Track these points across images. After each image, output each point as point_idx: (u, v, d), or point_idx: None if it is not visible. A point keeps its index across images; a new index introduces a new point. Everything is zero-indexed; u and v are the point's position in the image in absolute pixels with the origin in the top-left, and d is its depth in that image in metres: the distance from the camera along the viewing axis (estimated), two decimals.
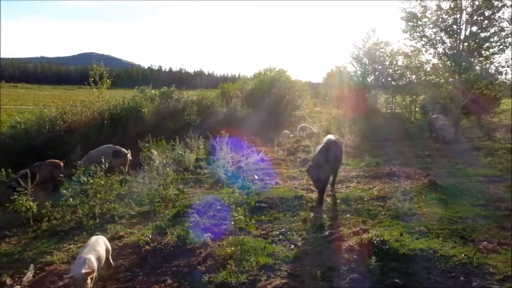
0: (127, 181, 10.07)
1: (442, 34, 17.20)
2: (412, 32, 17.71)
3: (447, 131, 14.60)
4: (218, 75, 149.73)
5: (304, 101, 29.27)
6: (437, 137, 15.43)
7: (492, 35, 16.29)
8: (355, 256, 5.17)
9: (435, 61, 18.19)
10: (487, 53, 16.71)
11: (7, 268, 6.12)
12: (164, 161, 6.28)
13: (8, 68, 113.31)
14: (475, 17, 16.41)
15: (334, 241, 5.84)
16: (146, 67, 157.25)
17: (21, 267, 6.12)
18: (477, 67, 17.41)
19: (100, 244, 5.34)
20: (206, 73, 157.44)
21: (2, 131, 13.82)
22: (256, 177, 4.51)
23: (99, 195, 8.32)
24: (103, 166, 8.58)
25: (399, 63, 25.74)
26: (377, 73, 27.42)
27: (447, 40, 17.22)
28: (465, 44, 16.69)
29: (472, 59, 16.99)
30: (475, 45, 16.60)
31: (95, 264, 4.92)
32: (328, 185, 8.15)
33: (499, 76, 17.23)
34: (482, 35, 16.58)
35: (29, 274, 5.73)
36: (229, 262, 5.10)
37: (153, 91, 19.12)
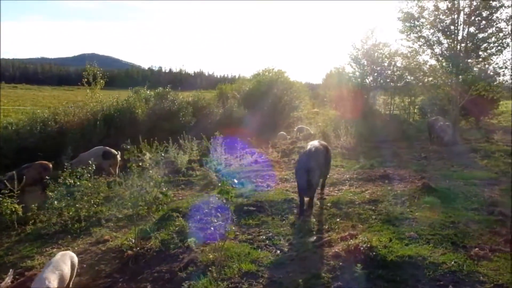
0: (116, 183, 9.92)
1: (439, 34, 17.03)
2: (409, 32, 17.54)
3: (445, 132, 14.42)
4: (218, 76, 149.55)
5: (302, 102, 29.14)
6: (436, 138, 15.23)
7: (489, 36, 16.10)
8: (341, 263, 4.99)
9: (432, 62, 18.04)
10: (485, 54, 16.51)
11: None
12: (147, 164, 6.11)
13: (8, 69, 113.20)
14: (473, 18, 16.23)
15: (321, 246, 5.67)
16: (147, 68, 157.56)
17: (0, 272, 5.97)
18: (475, 68, 17.26)
19: (65, 262, 4.97)
20: (206, 74, 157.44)
21: None
22: (235, 181, 4.32)
23: (85, 198, 8.18)
24: (90, 168, 8.45)
25: (398, 64, 25.61)
26: (375, 74, 27.22)
27: (444, 41, 17.05)
28: (463, 45, 16.51)
29: (469, 60, 16.81)
30: (473, 46, 16.40)
31: (54, 284, 4.58)
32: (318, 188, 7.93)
33: (497, 78, 17.09)
34: (480, 36, 16.39)
35: (7, 280, 5.58)
36: (211, 268, 4.93)
37: (148, 92, 18.98)
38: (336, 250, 5.29)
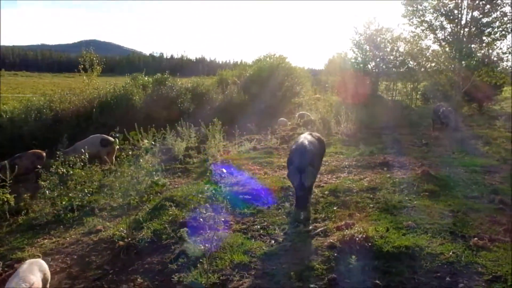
0: (110, 171, 9.78)
1: (443, 19, 16.77)
2: (411, 17, 17.28)
3: (448, 118, 14.15)
4: (220, 62, 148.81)
5: (304, 88, 28.83)
6: (440, 125, 14.97)
7: (493, 21, 15.83)
8: (335, 254, 4.84)
9: (435, 47, 17.77)
10: (489, 39, 16.24)
11: None
12: (140, 152, 5.95)
13: (8, 56, 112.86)
14: (477, 1, 15.93)
15: (316, 236, 5.53)
16: (148, 54, 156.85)
17: None
18: (478, 54, 16.99)
19: (33, 272, 4.37)
20: (208, 59, 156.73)
21: None
22: (224, 170, 4.16)
23: (79, 187, 8.05)
24: (83, 156, 8.31)
25: (400, 49, 25.24)
26: (378, 59, 26.86)
27: (448, 26, 16.81)
28: (466, 29, 16.24)
29: (473, 46, 16.53)
30: (476, 31, 16.15)
31: None
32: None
33: (500, 63, 16.83)
34: (484, 20, 16.13)
35: None
36: (202, 260, 4.79)
37: (146, 78, 18.73)
38: (331, 240, 5.14)
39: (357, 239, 4.92)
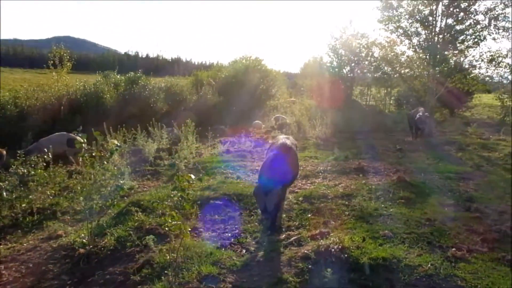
0: (77, 172, 9.30)
1: (418, 25, 16.89)
2: (387, 22, 17.32)
3: (424, 123, 14.17)
4: (196, 63, 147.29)
5: (279, 91, 28.76)
6: (415, 130, 15.00)
7: (467, 28, 16.02)
8: (310, 266, 4.58)
9: (410, 53, 17.89)
10: (462, 46, 16.42)
11: None
12: (103, 153, 5.56)
13: None
14: (451, 9, 16.09)
15: (290, 246, 5.27)
16: (123, 53, 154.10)
17: None
18: (451, 61, 17.18)
19: None
20: (184, 60, 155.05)
21: None
22: (193, 176, 3.84)
23: (40, 189, 7.58)
24: (46, 156, 7.86)
25: (375, 54, 25.40)
26: (353, 64, 26.97)
27: (422, 32, 16.91)
28: (440, 36, 16.36)
29: (446, 52, 16.69)
30: (450, 38, 16.30)
31: None
32: None
33: (473, 70, 17.03)
34: (458, 27, 16.30)
35: None
36: (167, 271, 4.46)
37: (118, 76, 18.17)
38: (306, 251, 4.87)
39: (333, 250, 4.68)
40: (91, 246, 5.49)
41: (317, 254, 4.74)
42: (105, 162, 5.51)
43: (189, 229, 4.45)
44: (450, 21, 16.25)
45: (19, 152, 7.89)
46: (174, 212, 3.91)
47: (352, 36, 25.96)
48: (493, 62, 15.78)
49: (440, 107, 22.40)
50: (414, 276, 4.36)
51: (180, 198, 3.82)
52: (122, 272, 4.89)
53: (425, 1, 16.12)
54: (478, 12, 15.83)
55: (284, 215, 6.41)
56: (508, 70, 16.44)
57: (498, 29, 15.13)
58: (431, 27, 16.13)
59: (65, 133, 11.25)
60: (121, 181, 6.30)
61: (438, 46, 15.91)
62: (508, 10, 15.72)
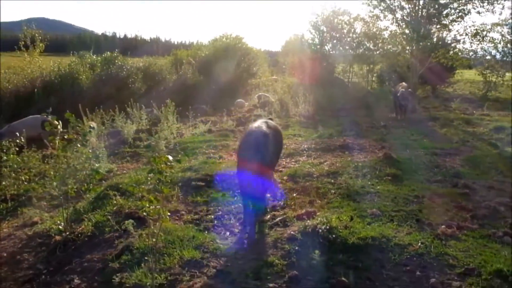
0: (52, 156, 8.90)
1: None
2: None
3: (407, 100, 14.03)
4: (176, 42, 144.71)
5: (261, 69, 28.39)
6: (398, 107, 14.87)
7: (451, 1, 15.79)
8: (296, 248, 4.38)
9: (393, 28, 17.64)
10: (446, 20, 16.23)
11: None
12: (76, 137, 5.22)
13: None
14: None
15: (275, 227, 5.06)
16: (100, 34, 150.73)
17: None
18: (434, 36, 17.02)
19: None
20: (163, 40, 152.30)
21: None
22: (170, 158, 3.55)
23: (13, 174, 7.19)
24: (18, 141, 7.47)
25: (357, 31, 25.12)
26: (334, 41, 26.66)
27: (406, 6, 16.61)
28: (424, 10, 16.12)
29: (430, 27, 16.50)
30: (434, 12, 16.05)
31: None
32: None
33: (457, 45, 16.90)
34: (442, 1, 16.05)
35: None
36: (147, 257, 4.20)
37: (94, 57, 17.56)
38: (292, 232, 4.67)
39: (320, 230, 4.48)
40: (67, 233, 5.19)
41: (303, 235, 4.53)
42: (79, 145, 5.17)
43: (170, 213, 4.21)
44: None
45: None
46: (152, 196, 3.63)
47: (334, 12, 25.65)
48: (477, 37, 15.73)
49: (421, 84, 22.35)
50: (404, 256, 4.20)
51: (157, 181, 3.53)
52: (101, 259, 4.62)
53: None
54: None
55: (269, 195, 6.19)
56: (492, 45, 16.47)
57: (483, 2, 15.00)
58: (415, 0, 15.90)
59: (39, 115, 10.78)
60: (97, 164, 5.96)
61: (422, 21, 15.71)
62: None
